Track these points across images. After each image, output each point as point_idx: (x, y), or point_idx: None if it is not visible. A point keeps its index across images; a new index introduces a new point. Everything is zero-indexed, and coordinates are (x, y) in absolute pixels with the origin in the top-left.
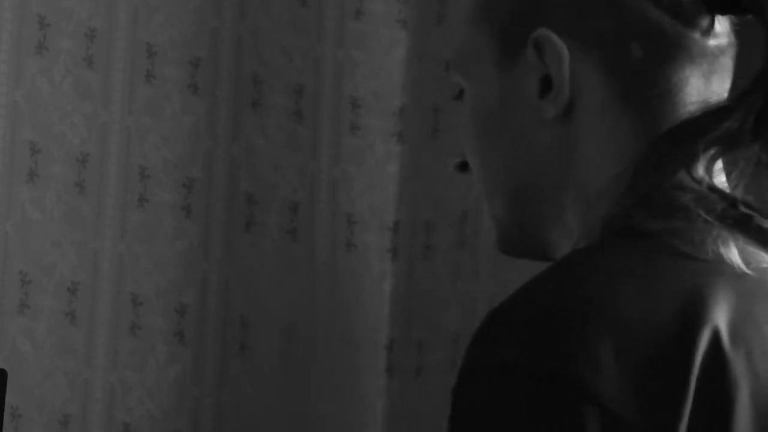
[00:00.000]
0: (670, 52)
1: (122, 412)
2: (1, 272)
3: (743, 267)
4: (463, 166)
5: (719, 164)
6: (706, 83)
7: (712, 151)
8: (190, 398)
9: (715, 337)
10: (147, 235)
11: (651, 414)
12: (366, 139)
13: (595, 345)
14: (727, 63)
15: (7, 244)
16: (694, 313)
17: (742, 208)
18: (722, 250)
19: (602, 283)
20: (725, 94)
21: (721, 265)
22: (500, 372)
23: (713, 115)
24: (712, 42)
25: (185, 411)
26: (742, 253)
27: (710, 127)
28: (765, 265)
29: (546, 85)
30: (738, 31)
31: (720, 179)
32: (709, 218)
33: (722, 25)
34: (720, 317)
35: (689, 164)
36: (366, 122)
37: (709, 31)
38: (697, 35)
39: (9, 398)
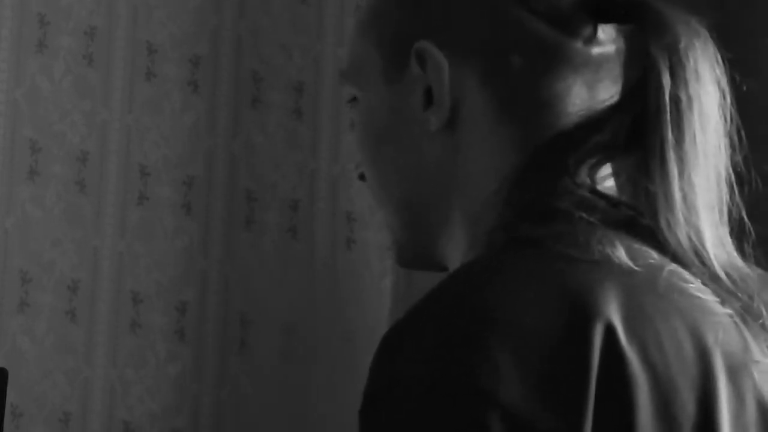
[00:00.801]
0: (551, 61)
1: (122, 410)
2: (2, 270)
3: (630, 264)
4: (364, 175)
5: (607, 169)
6: (591, 91)
7: (592, 160)
8: (190, 396)
9: (610, 333)
10: (147, 233)
11: (556, 415)
12: None
13: (494, 353)
14: (614, 69)
15: (7, 242)
16: (585, 312)
17: (625, 210)
18: (608, 249)
19: (496, 292)
20: (611, 101)
21: (608, 264)
22: (405, 387)
23: (586, 127)
24: (595, 50)
25: (185, 409)
26: (628, 250)
27: (583, 140)
28: (652, 261)
29: (429, 97)
30: (626, 36)
31: (607, 184)
32: (591, 220)
33: (607, 32)
34: (612, 313)
35: (570, 172)
36: None
37: (591, 39)
38: (579, 44)
39: (9, 397)
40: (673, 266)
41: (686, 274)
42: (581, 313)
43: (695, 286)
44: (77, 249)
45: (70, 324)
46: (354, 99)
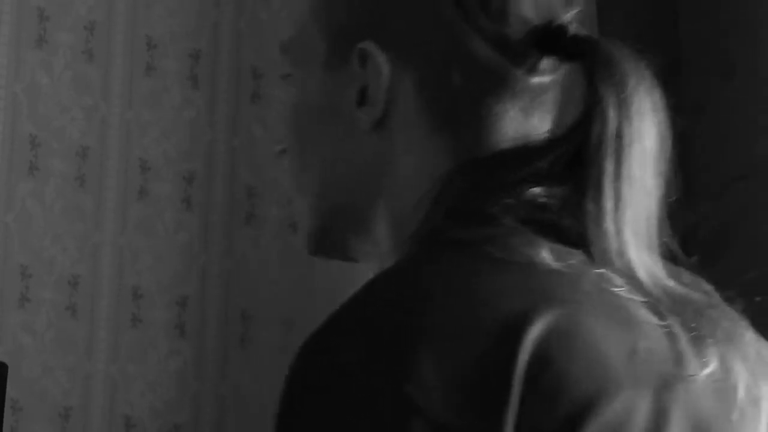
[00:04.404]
0: (491, 84)
1: (123, 405)
2: (2, 266)
3: (555, 264)
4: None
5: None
6: (526, 118)
7: (527, 183)
8: (190, 391)
9: (536, 339)
10: (147, 228)
11: (474, 422)
12: None
13: (418, 358)
14: (550, 99)
15: (7, 237)
16: (513, 319)
17: (553, 216)
18: (532, 251)
19: (426, 296)
20: (545, 129)
21: (533, 266)
22: (333, 379)
23: (526, 150)
24: (535, 79)
25: (186, 403)
26: (552, 252)
27: (521, 163)
28: (576, 262)
29: (364, 95)
30: (566, 68)
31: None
32: (514, 224)
33: (549, 63)
34: (538, 319)
35: (503, 186)
36: None
37: (534, 68)
38: (520, 72)
39: (10, 392)
40: (602, 270)
41: (615, 279)
42: (509, 322)
43: (625, 290)
44: (78, 244)
45: (70, 319)
46: (289, 75)
